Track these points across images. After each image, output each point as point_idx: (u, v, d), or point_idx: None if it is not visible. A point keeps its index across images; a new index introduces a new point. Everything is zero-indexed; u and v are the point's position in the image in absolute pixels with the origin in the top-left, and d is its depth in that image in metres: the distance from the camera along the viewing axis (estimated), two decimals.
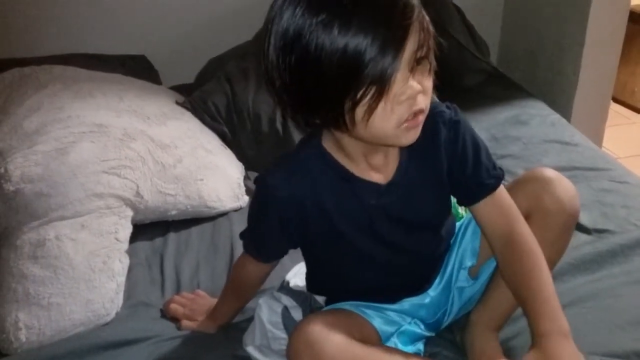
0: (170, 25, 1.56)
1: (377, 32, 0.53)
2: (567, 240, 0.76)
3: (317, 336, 0.63)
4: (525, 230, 0.69)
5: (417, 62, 0.57)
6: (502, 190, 0.71)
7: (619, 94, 2.16)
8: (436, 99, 0.68)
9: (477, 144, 0.70)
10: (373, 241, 0.70)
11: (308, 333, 0.63)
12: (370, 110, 0.56)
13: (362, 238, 0.70)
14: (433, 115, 0.66)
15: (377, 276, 0.74)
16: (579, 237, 0.94)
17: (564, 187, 0.73)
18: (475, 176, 0.69)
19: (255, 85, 1.34)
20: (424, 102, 0.59)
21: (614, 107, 2.06)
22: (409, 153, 0.68)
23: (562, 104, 1.55)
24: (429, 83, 0.60)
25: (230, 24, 1.56)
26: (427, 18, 0.58)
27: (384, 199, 0.68)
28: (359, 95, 0.55)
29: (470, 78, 1.53)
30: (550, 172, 0.74)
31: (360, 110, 0.57)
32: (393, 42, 0.54)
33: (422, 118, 0.60)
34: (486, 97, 1.48)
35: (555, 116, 1.39)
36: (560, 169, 0.91)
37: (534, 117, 1.38)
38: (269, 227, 0.71)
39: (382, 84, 0.55)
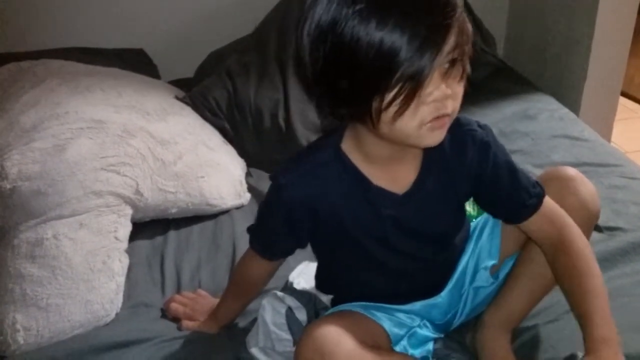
0: (169, 18, 1.54)
1: (415, 30, 0.51)
2: (587, 239, 0.75)
3: (328, 343, 0.61)
4: (575, 235, 0.69)
5: (451, 64, 0.55)
6: (546, 201, 0.70)
7: (626, 87, 2.13)
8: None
9: (512, 166, 0.69)
10: (385, 249, 0.69)
11: (318, 340, 0.62)
12: (401, 110, 0.55)
13: (373, 245, 0.69)
14: (463, 133, 0.65)
15: (388, 281, 0.73)
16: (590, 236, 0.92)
17: (586, 186, 0.73)
18: (516, 198, 0.69)
19: (257, 80, 1.31)
20: (452, 106, 0.58)
21: (621, 101, 2.03)
22: (429, 165, 0.67)
23: (570, 99, 1.53)
24: (459, 88, 0.58)
25: (230, 17, 1.54)
26: (468, 22, 0.56)
27: (399, 210, 0.67)
28: (392, 95, 0.54)
29: (476, 71, 1.49)
30: (571, 171, 0.74)
31: (390, 109, 0.55)
32: (431, 43, 0.52)
33: (447, 121, 0.58)
34: (493, 91, 1.45)
35: (564, 111, 1.37)
36: (569, 164, 0.90)
37: (542, 111, 1.35)
38: (277, 225, 0.70)
39: (415, 84, 0.53)
